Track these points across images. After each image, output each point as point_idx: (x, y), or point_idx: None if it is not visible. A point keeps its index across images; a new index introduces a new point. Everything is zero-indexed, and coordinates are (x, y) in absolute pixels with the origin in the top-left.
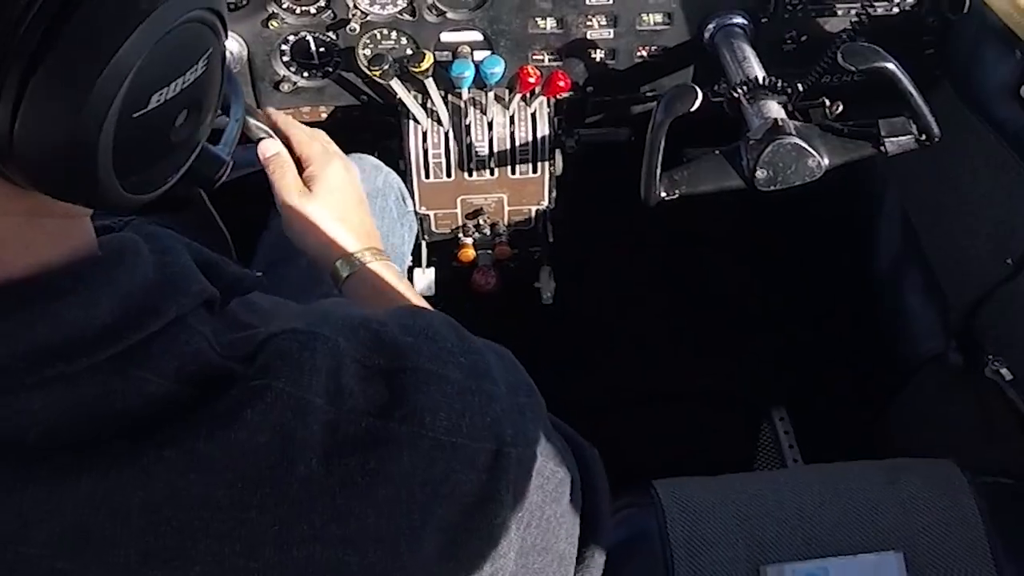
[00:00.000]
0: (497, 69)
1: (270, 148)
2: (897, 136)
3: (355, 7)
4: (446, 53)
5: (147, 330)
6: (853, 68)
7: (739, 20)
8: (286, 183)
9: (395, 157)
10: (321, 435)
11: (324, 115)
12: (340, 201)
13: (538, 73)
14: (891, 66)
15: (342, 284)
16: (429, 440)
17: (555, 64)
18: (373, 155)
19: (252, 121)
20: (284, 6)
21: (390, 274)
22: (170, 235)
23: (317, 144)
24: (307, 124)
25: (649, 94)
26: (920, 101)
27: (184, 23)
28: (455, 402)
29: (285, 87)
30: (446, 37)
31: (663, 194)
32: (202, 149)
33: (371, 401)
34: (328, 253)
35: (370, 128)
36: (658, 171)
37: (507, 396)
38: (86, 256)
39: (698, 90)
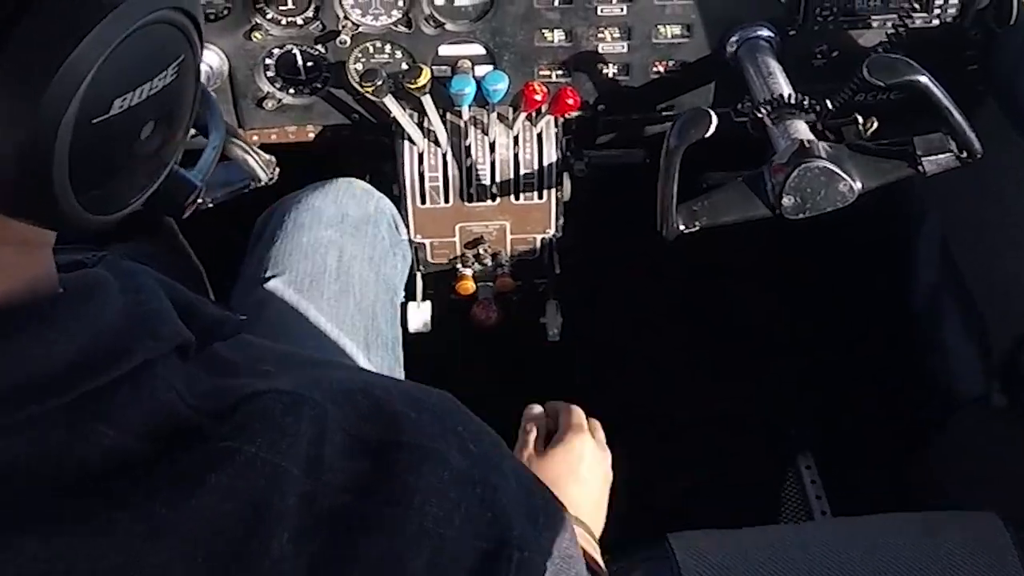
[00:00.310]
0: (500, 86)
1: (534, 409)
2: (935, 154)
3: (346, 18)
4: (445, 68)
5: (109, 375)
6: (881, 83)
7: (765, 32)
8: (529, 439)
9: (388, 181)
10: (296, 508)
11: (312, 135)
12: (573, 472)
13: (545, 90)
14: (923, 79)
15: None
16: (415, 527)
17: (563, 80)
18: (364, 179)
19: (237, 144)
20: (268, 17)
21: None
22: (145, 272)
23: (576, 417)
24: (294, 144)
25: (666, 113)
26: (959, 116)
27: (152, 23)
28: (451, 490)
29: (269, 104)
30: (445, 51)
31: (682, 227)
32: (172, 172)
33: (352, 477)
34: None
35: (361, 149)
36: (675, 201)
37: (518, 492)
38: (47, 291)
39: (713, 115)
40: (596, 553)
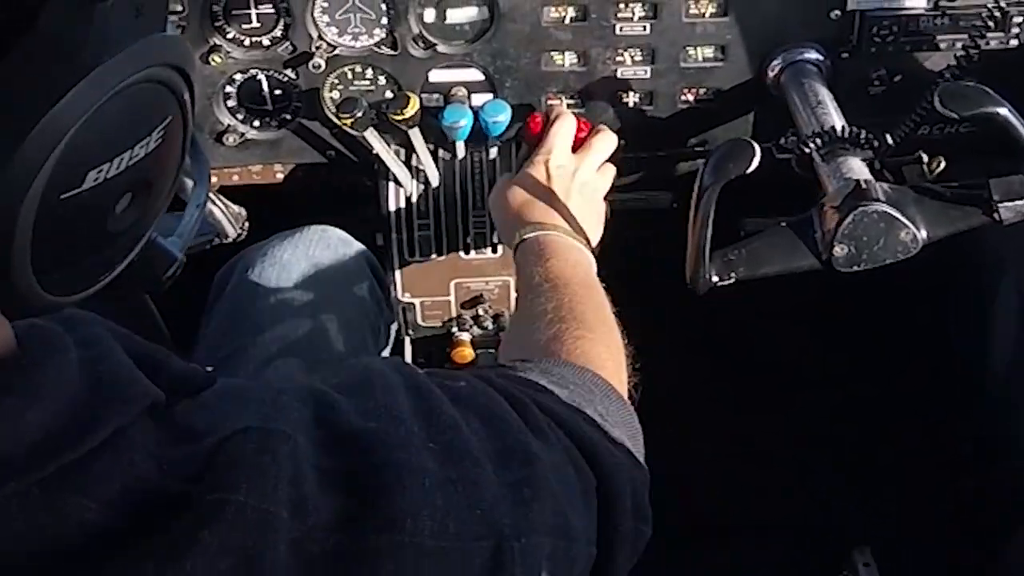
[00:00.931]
0: (501, 117)
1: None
2: (1014, 200)
3: (320, 38)
4: (437, 96)
5: (84, 446)
6: (954, 114)
7: (812, 55)
8: (564, 139)
9: (370, 229)
10: (286, 557)
11: (280, 175)
12: (566, 189)
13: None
14: (1003, 111)
15: (519, 242)
16: (412, 548)
17: (576, 111)
18: (342, 227)
19: (215, 204)
20: (229, 36)
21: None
22: (97, 321)
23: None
24: (259, 186)
25: (697, 149)
26: None
27: (136, 83)
28: (436, 498)
29: (230, 140)
30: (436, 76)
31: (715, 279)
32: (149, 242)
33: (337, 513)
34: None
35: (338, 192)
36: (708, 249)
37: (496, 477)
38: (3, 356)
39: (756, 147)
40: (592, 259)
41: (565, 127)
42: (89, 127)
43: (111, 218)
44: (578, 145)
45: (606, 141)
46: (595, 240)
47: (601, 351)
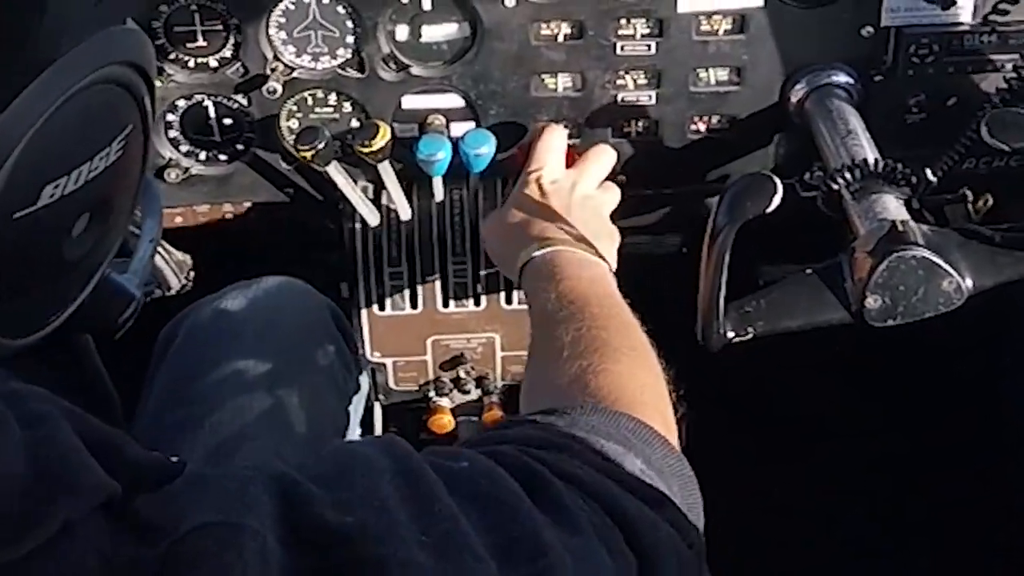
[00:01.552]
0: (484, 149)
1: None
2: None
3: (276, 58)
4: (410, 126)
5: (23, 547)
6: (1004, 146)
7: (842, 78)
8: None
9: (335, 279)
10: None
11: (230, 217)
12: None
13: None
14: None
15: (524, 265)
16: None
17: (570, 142)
18: (302, 277)
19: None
20: (171, 56)
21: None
22: (45, 397)
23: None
24: (205, 230)
25: (709, 186)
26: None
27: (97, 84)
28: None
29: (172, 175)
30: (410, 102)
31: (730, 334)
32: (105, 278)
33: None
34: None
35: (298, 237)
36: (722, 300)
37: (501, 574)
38: None
39: (777, 182)
40: (609, 271)
41: (554, 140)
42: (45, 133)
43: (67, 243)
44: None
45: (604, 153)
46: (611, 256)
47: (633, 385)
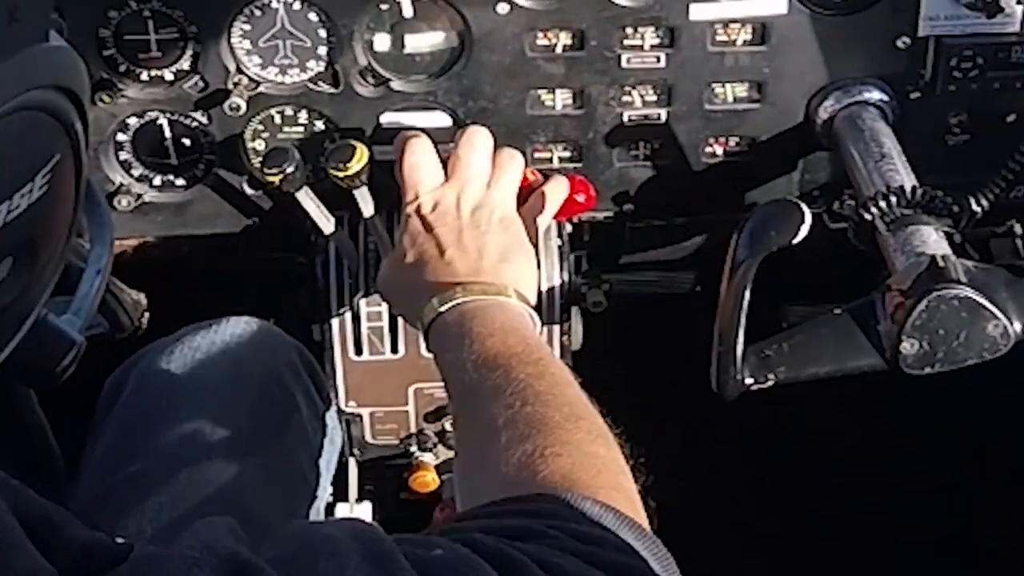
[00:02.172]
0: None
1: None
2: None
3: (239, 71)
4: (391, 148)
5: None
6: None
7: (875, 95)
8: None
9: (305, 321)
10: None
11: (187, 248)
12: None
13: (542, 181)
14: None
15: (427, 328)
16: None
17: (570, 166)
18: (268, 318)
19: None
20: (121, 68)
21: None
22: None
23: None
24: (160, 264)
25: (726, 216)
26: None
27: (13, 112)
28: None
29: (123, 203)
30: (391, 120)
31: (748, 380)
32: (40, 321)
33: None
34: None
35: (264, 272)
36: (740, 343)
37: None
38: None
39: (805, 210)
40: (533, 317)
41: (478, 143)
42: None
43: None
44: (526, 193)
45: (476, 141)
46: (524, 279)
47: (587, 465)
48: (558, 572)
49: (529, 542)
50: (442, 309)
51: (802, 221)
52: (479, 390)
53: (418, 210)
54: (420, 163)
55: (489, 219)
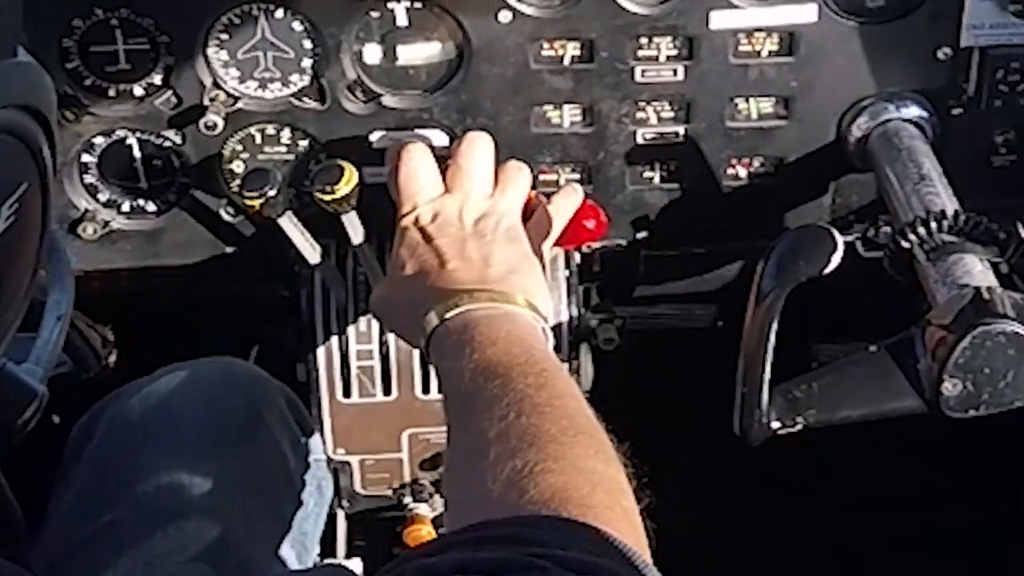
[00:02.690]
0: None
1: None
2: None
3: (216, 85)
4: (382, 170)
5: None
6: None
7: (913, 111)
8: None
9: (288, 359)
10: None
11: (160, 280)
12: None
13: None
14: None
15: (428, 338)
16: None
17: (580, 188)
18: (249, 357)
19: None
20: (87, 83)
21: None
22: None
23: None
24: (131, 299)
25: (750, 244)
26: None
27: None
28: None
29: (89, 231)
30: (383, 140)
31: (775, 424)
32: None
33: None
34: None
35: (244, 307)
36: (766, 384)
37: None
38: None
39: (837, 236)
40: (542, 327)
41: (479, 149)
42: None
43: None
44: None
45: (477, 148)
46: (533, 289)
47: (581, 483)
48: None
49: (512, 572)
50: (447, 316)
51: (834, 249)
52: (473, 400)
53: (416, 222)
54: (417, 171)
55: (495, 229)
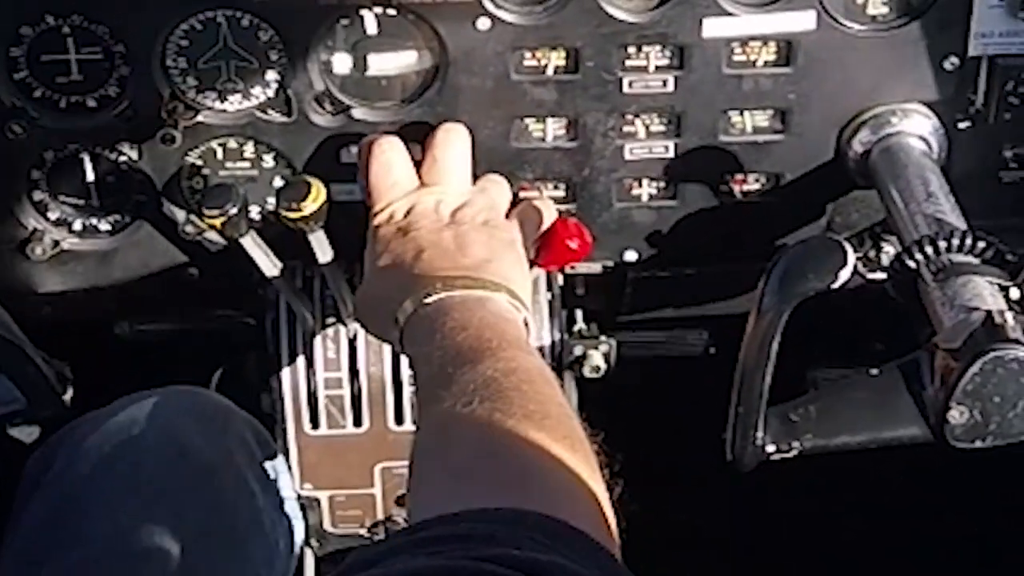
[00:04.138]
0: None
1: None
2: None
3: (175, 97)
4: (352, 187)
5: None
6: None
7: (918, 125)
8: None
9: (253, 390)
10: None
11: (115, 304)
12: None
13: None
14: None
15: (402, 328)
16: None
17: (564, 207)
18: (211, 386)
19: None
20: (36, 94)
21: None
22: None
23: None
24: (85, 325)
25: (744, 266)
26: None
27: None
28: None
29: (38, 251)
30: (352, 155)
31: (770, 447)
32: None
33: None
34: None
35: (206, 333)
36: (763, 408)
37: None
38: None
39: (848, 249)
40: (524, 316)
41: (455, 141)
42: None
43: None
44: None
45: (454, 140)
46: (516, 277)
47: (543, 468)
48: None
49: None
50: (422, 303)
51: (843, 263)
52: (439, 387)
53: (391, 218)
54: (391, 165)
55: (473, 219)
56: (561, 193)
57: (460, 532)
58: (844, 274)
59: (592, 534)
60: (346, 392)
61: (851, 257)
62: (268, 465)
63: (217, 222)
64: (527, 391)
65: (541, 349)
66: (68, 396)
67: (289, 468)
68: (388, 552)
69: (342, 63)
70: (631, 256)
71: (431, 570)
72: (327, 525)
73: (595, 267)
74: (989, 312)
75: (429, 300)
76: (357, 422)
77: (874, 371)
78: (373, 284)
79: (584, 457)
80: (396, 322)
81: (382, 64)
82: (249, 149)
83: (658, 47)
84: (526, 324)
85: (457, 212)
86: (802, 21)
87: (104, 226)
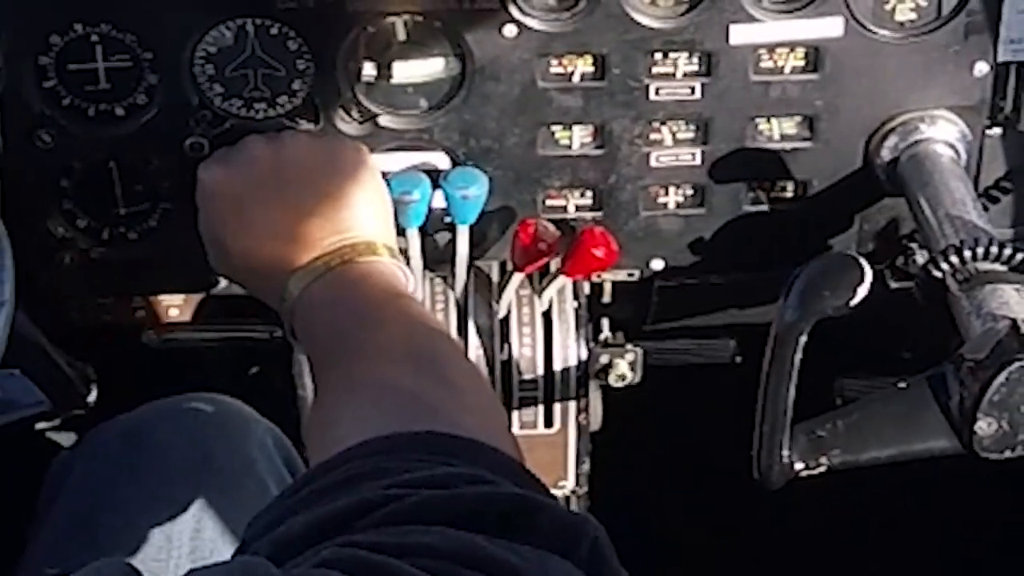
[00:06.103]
0: (474, 191)
1: None
2: None
3: (202, 104)
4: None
5: None
6: None
7: (947, 131)
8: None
9: (280, 402)
10: None
11: (143, 312)
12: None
13: (556, 233)
14: None
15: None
16: None
17: (589, 215)
18: (239, 397)
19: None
20: (65, 103)
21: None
22: None
23: None
24: (112, 332)
25: (772, 274)
26: None
27: None
28: None
29: (67, 259)
30: (379, 163)
31: (798, 465)
32: None
33: None
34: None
35: (232, 342)
36: (788, 423)
37: None
38: None
39: (865, 265)
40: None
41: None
42: None
43: None
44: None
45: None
46: (381, 229)
47: (412, 401)
48: (420, 551)
49: (366, 520)
50: (294, 288)
51: (861, 280)
52: (321, 370)
53: (203, 193)
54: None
55: (297, 164)
56: (588, 201)
57: (344, 477)
58: (861, 292)
59: (488, 443)
60: None
61: (869, 274)
62: (289, 475)
63: None
64: (397, 339)
65: (567, 359)
66: (92, 398)
67: None
68: (278, 517)
69: (368, 70)
70: (658, 264)
71: (335, 510)
72: None
73: (621, 275)
74: (1015, 321)
75: (301, 288)
76: None
77: (901, 384)
78: (238, 263)
79: (473, 385)
80: (281, 299)
81: (408, 72)
82: None
83: (685, 54)
84: (401, 270)
85: (266, 166)
86: (829, 27)
87: (132, 235)
